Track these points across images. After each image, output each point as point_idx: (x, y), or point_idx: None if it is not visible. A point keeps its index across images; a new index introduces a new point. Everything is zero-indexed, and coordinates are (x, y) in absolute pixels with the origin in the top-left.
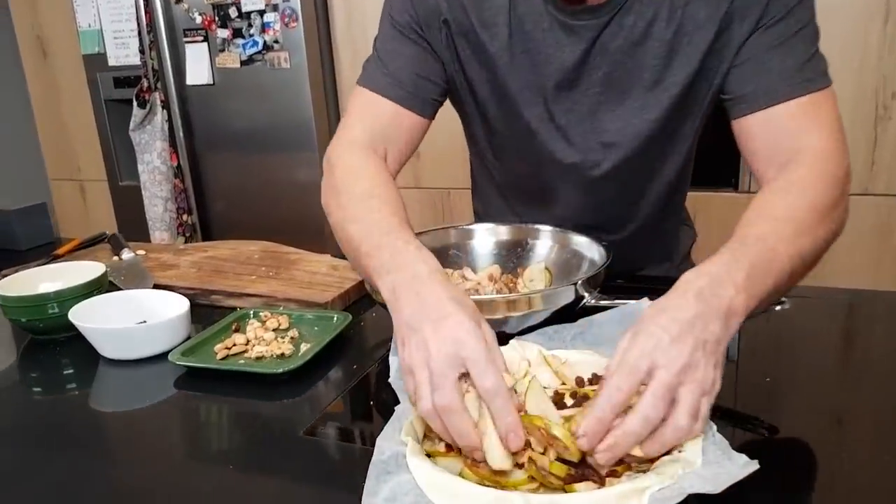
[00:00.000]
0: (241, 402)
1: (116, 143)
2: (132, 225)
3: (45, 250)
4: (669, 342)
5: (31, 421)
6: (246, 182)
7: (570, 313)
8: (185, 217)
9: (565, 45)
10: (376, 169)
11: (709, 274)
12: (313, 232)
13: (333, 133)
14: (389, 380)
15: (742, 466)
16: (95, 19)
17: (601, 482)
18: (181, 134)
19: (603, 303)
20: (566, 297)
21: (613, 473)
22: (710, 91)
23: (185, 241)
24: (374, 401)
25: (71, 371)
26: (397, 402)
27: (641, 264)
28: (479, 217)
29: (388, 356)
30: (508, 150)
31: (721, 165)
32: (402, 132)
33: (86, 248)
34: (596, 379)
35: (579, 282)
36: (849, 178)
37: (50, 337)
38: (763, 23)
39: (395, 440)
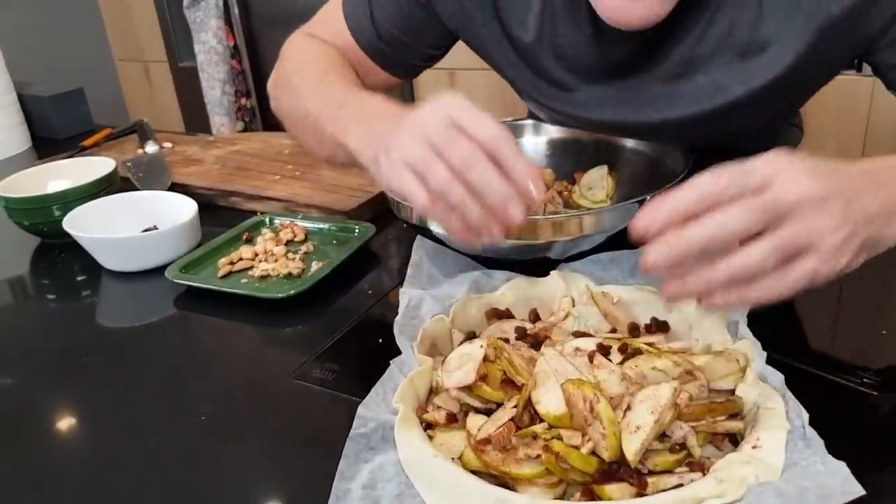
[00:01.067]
0: (238, 328)
1: (175, 22)
2: (193, 106)
3: (82, 138)
4: (805, 172)
5: (29, 329)
6: None
7: None
8: (243, 101)
9: (620, 47)
10: (330, 53)
11: (873, 163)
12: None
13: None
14: (396, 318)
15: (842, 481)
16: None
17: (640, 488)
18: (237, 11)
19: None
20: (626, 216)
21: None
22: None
23: (245, 126)
24: (382, 339)
25: (79, 279)
26: (398, 352)
27: None
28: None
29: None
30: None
31: None
32: (364, 77)
33: (117, 138)
34: (655, 327)
35: (649, 196)
36: None
37: (58, 241)
38: None
39: (382, 407)
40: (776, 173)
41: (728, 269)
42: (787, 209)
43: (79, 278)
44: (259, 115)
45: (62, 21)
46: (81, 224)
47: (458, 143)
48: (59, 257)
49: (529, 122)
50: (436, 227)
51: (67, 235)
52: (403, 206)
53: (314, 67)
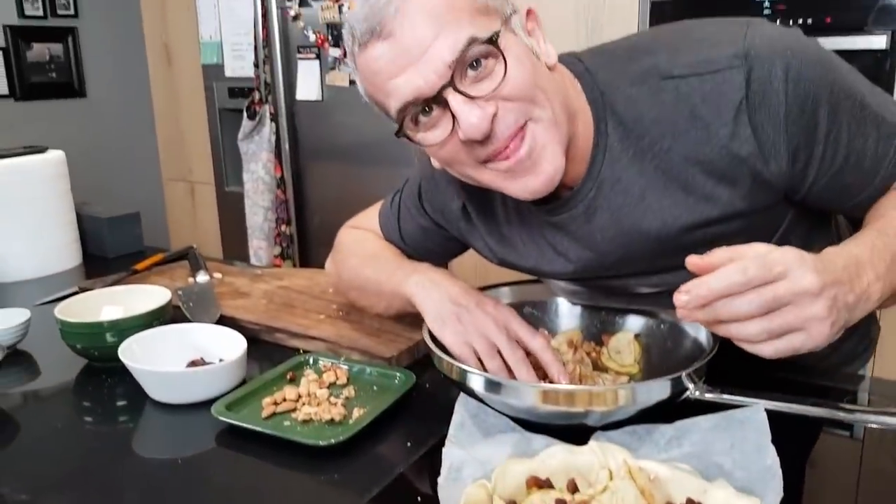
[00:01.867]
0: (278, 471)
1: (226, 149)
2: (233, 230)
3: (131, 260)
4: (812, 269)
5: (71, 454)
6: (344, 195)
7: (668, 407)
8: (283, 227)
9: (556, 235)
10: (383, 242)
11: (852, 255)
12: None
13: None
14: (439, 480)
15: None
16: (216, 31)
17: None
18: (287, 146)
19: (708, 396)
20: (662, 391)
21: None
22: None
23: (281, 252)
24: (420, 497)
25: (122, 404)
26: None
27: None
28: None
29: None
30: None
31: None
32: None
33: (168, 263)
34: None
35: (684, 374)
36: None
37: (106, 364)
38: (799, 157)
39: None
40: (792, 267)
41: (734, 335)
42: (791, 299)
43: (122, 403)
44: (296, 241)
45: (119, 139)
46: (134, 352)
47: (513, 351)
48: (106, 381)
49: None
50: (477, 386)
51: (117, 360)
52: (444, 360)
53: (370, 245)
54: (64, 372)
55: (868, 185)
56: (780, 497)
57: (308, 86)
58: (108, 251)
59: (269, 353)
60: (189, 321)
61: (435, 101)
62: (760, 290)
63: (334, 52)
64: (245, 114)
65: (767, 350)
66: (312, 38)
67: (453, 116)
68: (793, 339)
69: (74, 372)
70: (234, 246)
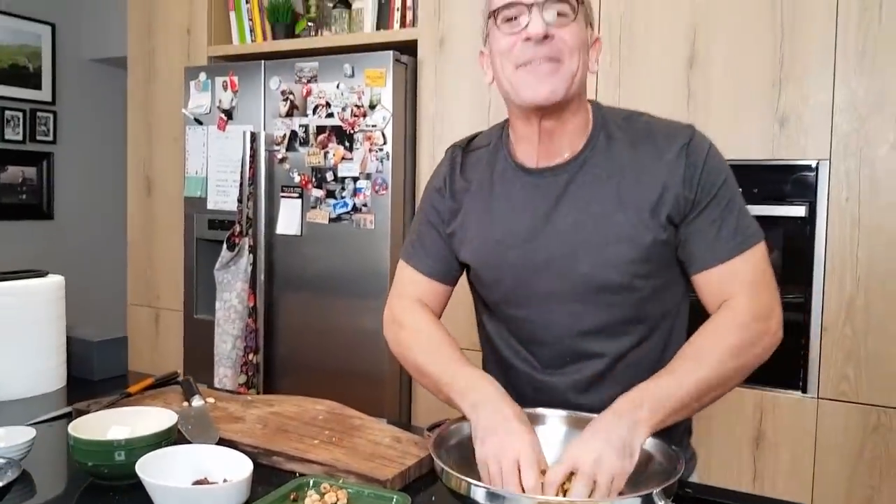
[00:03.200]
0: None
1: (199, 278)
2: (198, 357)
3: (117, 382)
4: (585, 444)
5: None
6: (312, 325)
7: None
8: (251, 356)
9: (537, 198)
10: (432, 322)
11: (627, 398)
12: (371, 376)
13: None
14: None
15: None
16: (203, 168)
17: None
18: (262, 277)
19: None
20: None
21: None
22: (657, 238)
23: (247, 380)
24: None
25: None
26: None
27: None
28: None
29: None
30: (500, 298)
31: (788, 367)
32: (434, 297)
33: (157, 387)
34: None
35: (655, 492)
36: (769, 323)
37: (110, 483)
38: (699, 200)
39: None
40: (574, 454)
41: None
42: (593, 470)
43: None
44: (262, 370)
45: (85, 262)
46: (147, 470)
47: (512, 483)
48: (114, 499)
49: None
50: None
51: (124, 478)
52: (451, 476)
53: (426, 336)
54: (66, 490)
55: (705, 255)
56: None
57: (289, 221)
58: (94, 374)
59: (266, 475)
60: (190, 443)
61: (525, 7)
62: (575, 481)
63: (317, 193)
64: (225, 244)
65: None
66: (297, 179)
67: (527, 23)
68: (616, 481)
69: (76, 490)
70: (197, 373)
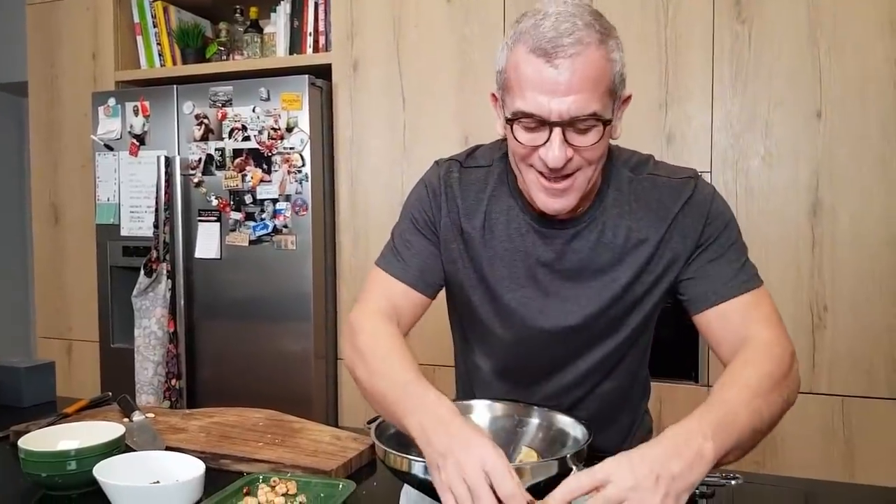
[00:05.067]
0: None
1: (115, 307)
2: (118, 386)
3: (46, 408)
4: (628, 467)
5: None
6: (237, 349)
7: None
8: (173, 382)
9: (540, 247)
10: (392, 332)
11: (682, 426)
12: (298, 400)
13: (329, 307)
14: None
15: None
16: (115, 195)
17: None
18: (182, 302)
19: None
20: (552, 469)
21: None
22: (654, 288)
23: (171, 406)
24: None
25: None
26: None
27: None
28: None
29: None
30: (489, 330)
31: (683, 360)
32: (409, 307)
33: (92, 408)
34: None
35: (568, 456)
36: (794, 358)
37: (63, 493)
38: (702, 244)
39: None
40: (609, 470)
41: None
42: (622, 496)
43: None
44: (185, 396)
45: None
46: (102, 477)
47: (487, 497)
48: None
49: (481, 402)
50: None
51: (76, 488)
52: (392, 455)
53: (382, 349)
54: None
55: (720, 290)
56: None
57: (207, 246)
58: (23, 401)
59: (214, 478)
60: (146, 451)
61: (546, 125)
62: (596, 497)
63: (236, 216)
64: (142, 271)
65: None
66: (215, 202)
67: (547, 140)
68: None
69: (30, 502)
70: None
